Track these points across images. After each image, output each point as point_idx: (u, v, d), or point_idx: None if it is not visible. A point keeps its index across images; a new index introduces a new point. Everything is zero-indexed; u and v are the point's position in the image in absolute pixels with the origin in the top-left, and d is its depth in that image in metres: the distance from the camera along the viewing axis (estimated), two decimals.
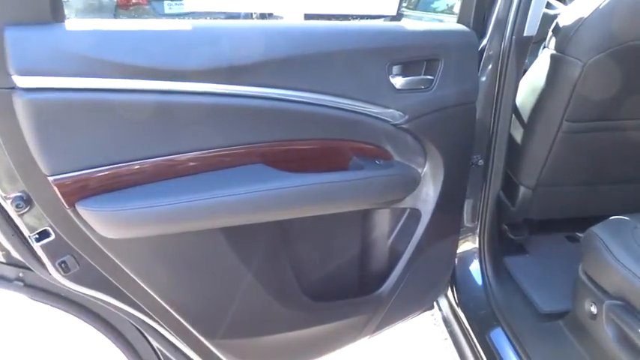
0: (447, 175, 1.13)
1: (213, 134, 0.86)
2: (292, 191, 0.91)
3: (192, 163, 0.85)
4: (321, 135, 0.96)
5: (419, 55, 1.02)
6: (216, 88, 0.83)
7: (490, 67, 1.19)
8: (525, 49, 1.19)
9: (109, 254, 0.86)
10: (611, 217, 1.20)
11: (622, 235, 1.10)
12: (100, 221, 0.80)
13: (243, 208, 0.88)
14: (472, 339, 1.34)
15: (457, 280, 1.46)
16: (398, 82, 1.00)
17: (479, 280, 1.43)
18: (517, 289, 1.42)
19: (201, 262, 0.97)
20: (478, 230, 1.43)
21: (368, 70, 0.96)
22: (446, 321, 1.52)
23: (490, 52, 1.16)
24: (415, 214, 1.17)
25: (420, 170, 1.12)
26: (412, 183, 1.10)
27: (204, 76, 0.81)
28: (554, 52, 1.28)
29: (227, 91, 0.84)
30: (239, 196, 0.86)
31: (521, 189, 1.48)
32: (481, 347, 1.30)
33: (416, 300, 1.31)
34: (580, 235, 1.80)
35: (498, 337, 1.31)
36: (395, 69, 1.01)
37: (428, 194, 1.15)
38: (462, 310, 1.40)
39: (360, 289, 1.21)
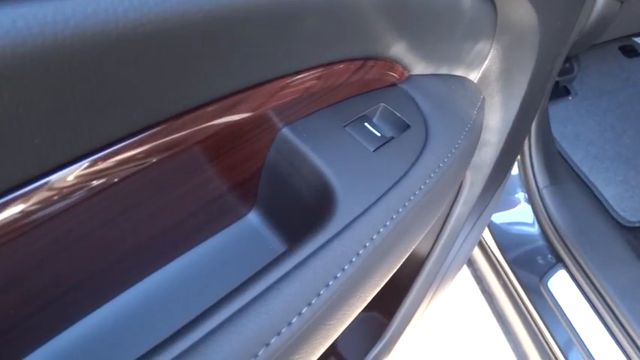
0: (539, 65, 0.39)
1: None
2: None
3: None
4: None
5: None
6: None
7: None
8: None
9: None
10: None
11: None
12: None
13: None
14: (519, 294, 0.81)
15: None
16: None
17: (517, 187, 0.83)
18: (576, 180, 0.84)
19: None
20: None
21: None
22: (470, 262, 0.97)
23: None
24: None
25: (472, 76, 0.38)
26: (475, 131, 0.37)
27: None
28: None
29: None
30: None
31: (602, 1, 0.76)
32: (535, 307, 0.78)
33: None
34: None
35: (561, 283, 0.78)
36: None
37: (488, 127, 0.44)
38: (499, 248, 0.83)
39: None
